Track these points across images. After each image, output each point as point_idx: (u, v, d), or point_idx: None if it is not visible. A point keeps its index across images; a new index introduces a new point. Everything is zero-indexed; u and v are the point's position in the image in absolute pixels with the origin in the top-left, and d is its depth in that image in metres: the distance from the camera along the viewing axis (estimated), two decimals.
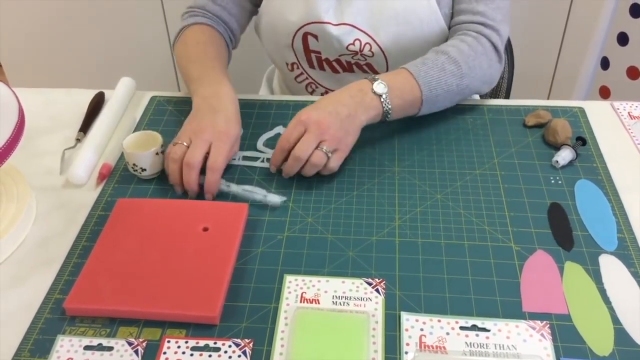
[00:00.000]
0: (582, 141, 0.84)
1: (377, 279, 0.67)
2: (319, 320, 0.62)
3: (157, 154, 0.80)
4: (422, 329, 0.61)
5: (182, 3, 1.04)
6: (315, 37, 0.95)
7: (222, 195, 0.79)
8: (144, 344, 0.61)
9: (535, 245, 0.71)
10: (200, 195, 0.78)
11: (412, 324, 0.62)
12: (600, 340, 0.60)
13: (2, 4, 1.77)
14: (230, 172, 0.82)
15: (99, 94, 0.97)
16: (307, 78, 1.05)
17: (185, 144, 0.78)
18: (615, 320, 0.62)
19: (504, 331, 0.61)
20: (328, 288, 0.66)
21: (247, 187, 0.79)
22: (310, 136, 0.76)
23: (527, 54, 1.69)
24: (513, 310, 0.63)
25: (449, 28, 0.94)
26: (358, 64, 0.98)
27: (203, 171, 0.77)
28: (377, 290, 0.65)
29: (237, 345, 0.61)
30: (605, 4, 1.62)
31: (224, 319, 0.63)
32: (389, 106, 0.81)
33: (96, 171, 0.83)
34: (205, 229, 0.72)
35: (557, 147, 0.84)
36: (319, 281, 0.67)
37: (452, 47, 0.86)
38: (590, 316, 0.63)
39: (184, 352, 0.60)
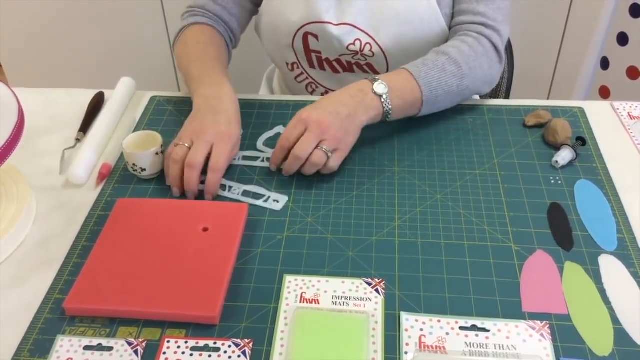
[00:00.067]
0: (582, 141, 0.84)
1: (376, 279, 0.67)
2: (318, 321, 0.62)
3: (157, 154, 0.80)
4: (421, 329, 0.61)
5: (182, 3, 1.04)
6: (316, 37, 0.95)
7: (222, 196, 0.79)
8: (144, 344, 0.61)
9: (535, 246, 0.71)
10: (198, 196, 0.78)
11: (411, 324, 0.62)
12: (600, 340, 0.60)
13: (2, 4, 1.78)
14: (230, 172, 0.82)
15: (99, 94, 0.97)
16: (307, 78, 1.05)
17: (186, 145, 0.77)
18: (615, 320, 0.62)
19: (503, 331, 0.61)
20: (328, 288, 0.66)
21: (248, 187, 0.79)
22: (311, 135, 0.76)
23: (527, 54, 1.69)
24: (513, 311, 0.63)
25: (450, 28, 0.94)
26: (358, 64, 0.98)
27: (204, 172, 0.77)
28: (376, 291, 0.65)
29: (236, 345, 0.61)
30: (605, 4, 1.62)
31: (224, 319, 0.63)
32: (390, 107, 0.81)
33: (96, 171, 0.83)
34: (205, 229, 0.72)
35: (557, 147, 0.84)
36: (318, 281, 0.67)
37: (453, 48, 0.86)
38: (590, 316, 0.63)
39: (183, 352, 0.60)
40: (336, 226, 0.74)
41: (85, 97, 0.97)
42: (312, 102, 0.82)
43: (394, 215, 0.75)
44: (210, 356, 0.60)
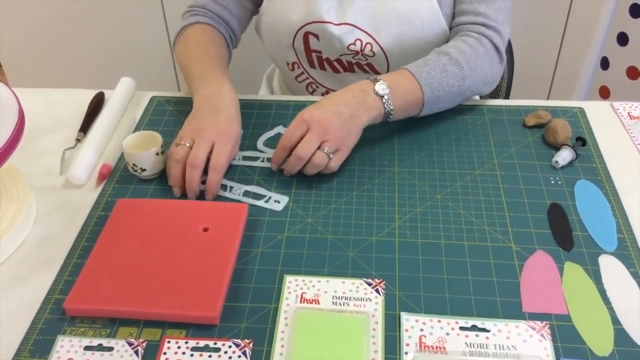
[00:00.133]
0: (582, 141, 0.84)
1: (377, 279, 0.67)
2: (319, 321, 0.62)
3: (157, 154, 0.80)
4: (422, 330, 0.61)
5: (182, 3, 1.04)
6: (317, 36, 0.96)
7: (222, 196, 0.79)
8: (144, 345, 0.61)
9: (535, 246, 0.71)
10: (199, 196, 0.78)
11: (412, 324, 0.62)
12: (600, 340, 0.60)
13: (2, 4, 1.77)
14: (230, 172, 0.82)
15: (99, 94, 0.97)
16: (307, 78, 1.05)
17: (187, 144, 0.78)
18: (615, 320, 0.62)
19: (503, 331, 0.61)
20: (328, 288, 0.66)
21: (249, 188, 0.79)
22: (313, 136, 0.76)
23: (527, 54, 1.69)
24: (513, 311, 0.63)
25: (450, 29, 0.94)
26: (359, 64, 0.98)
27: (204, 172, 0.77)
28: (377, 291, 0.66)
29: (237, 345, 0.61)
30: (605, 4, 1.62)
31: (224, 320, 0.63)
32: (391, 107, 0.81)
33: (96, 171, 0.83)
34: (206, 229, 0.72)
35: (557, 148, 0.84)
36: (319, 281, 0.67)
37: (454, 48, 0.86)
38: (590, 316, 0.63)
39: (184, 353, 0.60)
40: (336, 226, 0.74)
41: (85, 97, 0.97)
42: (312, 102, 0.82)
43: (394, 216, 0.75)
44: (210, 356, 0.60)
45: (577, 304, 0.64)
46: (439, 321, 0.62)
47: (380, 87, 0.81)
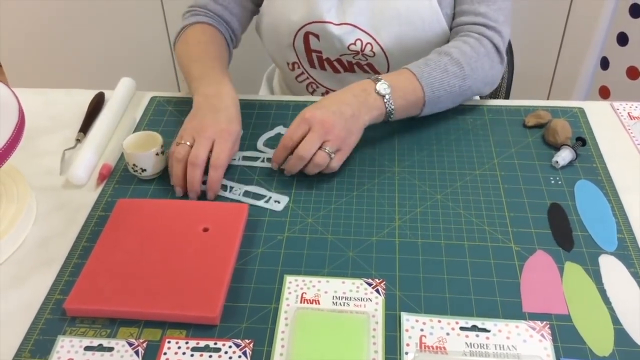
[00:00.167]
0: (582, 141, 0.84)
1: (377, 280, 0.67)
2: (319, 321, 0.62)
3: (157, 154, 0.80)
4: (422, 330, 0.61)
5: (182, 3, 1.04)
6: (317, 36, 0.96)
7: (223, 196, 0.79)
8: (145, 345, 0.61)
9: (535, 246, 0.71)
10: (200, 196, 0.78)
11: (412, 324, 0.62)
12: (600, 340, 0.61)
13: (2, 4, 1.77)
14: (230, 172, 0.82)
15: (99, 94, 0.97)
16: (307, 78, 1.05)
17: (188, 143, 0.78)
18: (615, 320, 0.62)
19: (504, 331, 0.61)
20: (328, 288, 0.66)
21: (249, 188, 0.79)
22: (314, 135, 0.77)
23: (527, 54, 1.69)
24: (513, 311, 0.63)
25: (451, 29, 0.94)
26: (359, 64, 0.98)
27: (205, 171, 0.78)
28: (377, 291, 0.66)
29: (237, 345, 0.61)
30: (605, 4, 1.62)
31: (224, 320, 0.63)
32: (392, 107, 0.81)
33: (96, 171, 0.83)
34: (206, 230, 0.72)
35: (557, 148, 0.84)
36: (319, 282, 0.67)
37: (455, 49, 0.86)
38: (590, 316, 0.63)
39: (184, 353, 0.60)
40: (336, 226, 0.74)
41: (85, 97, 0.97)
42: (312, 102, 0.82)
43: (394, 216, 0.75)
44: (210, 356, 0.60)
45: (578, 304, 0.64)
46: (439, 321, 0.62)
47: (382, 86, 0.81)
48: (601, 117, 0.91)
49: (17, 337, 0.63)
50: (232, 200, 0.78)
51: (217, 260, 0.68)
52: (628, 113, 0.92)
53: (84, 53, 1.86)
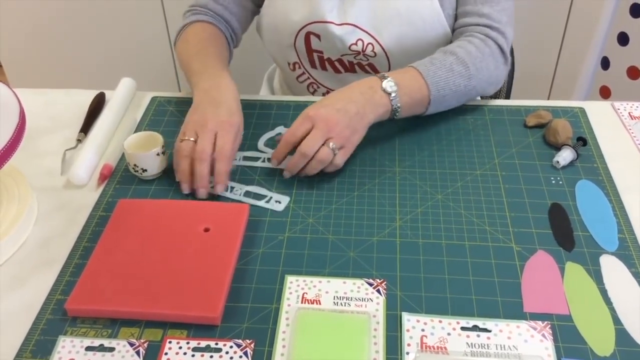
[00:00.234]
0: (583, 141, 0.84)
1: (378, 280, 0.67)
2: (320, 321, 0.62)
3: (158, 154, 0.80)
4: (423, 330, 0.61)
5: (182, 3, 1.05)
6: (318, 36, 0.96)
7: (222, 199, 0.79)
8: (146, 345, 0.61)
9: (536, 246, 0.71)
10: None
11: (413, 324, 0.62)
12: (601, 340, 0.61)
13: (2, 4, 1.77)
14: (231, 172, 0.82)
15: (100, 95, 0.97)
16: (308, 78, 1.05)
17: (192, 139, 0.78)
18: (616, 320, 0.62)
19: (505, 332, 0.61)
20: (329, 289, 0.66)
21: (250, 188, 0.79)
22: (317, 133, 0.77)
23: (527, 54, 1.69)
24: (514, 311, 0.63)
25: (453, 30, 0.94)
26: (360, 64, 0.98)
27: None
28: (378, 291, 0.66)
29: (238, 345, 0.61)
30: (605, 4, 1.62)
31: (225, 320, 0.63)
32: (398, 104, 0.81)
33: (97, 172, 0.83)
34: (207, 230, 0.72)
35: (557, 148, 0.84)
36: (320, 282, 0.67)
37: (460, 48, 0.87)
38: (591, 316, 0.63)
39: (185, 353, 0.60)
40: (337, 226, 0.74)
41: (85, 97, 0.97)
42: (313, 102, 0.82)
43: (395, 216, 0.75)
44: (211, 357, 0.60)
45: (578, 304, 0.64)
46: (440, 321, 0.62)
47: (388, 84, 0.81)
48: (602, 117, 0.91)
49: (18, 338, 0.63)
50: (233, 200, 0.78)
51: (218, 261, 0.68)
52: (629, 113, 0.92)
53: (84, 53, 1.86)
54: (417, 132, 0.89)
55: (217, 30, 0.98)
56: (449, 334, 0.61)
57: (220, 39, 0.97)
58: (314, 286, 0.66)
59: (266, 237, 0.73)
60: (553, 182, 0.80)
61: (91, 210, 0.78)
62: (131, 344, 0.61)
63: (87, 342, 0.62)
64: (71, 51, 1.86)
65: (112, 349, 0.61)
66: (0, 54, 1.90)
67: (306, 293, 0.65)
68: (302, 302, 0.64)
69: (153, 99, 0.98)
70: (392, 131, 0.89)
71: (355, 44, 0.94)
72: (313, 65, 1.02)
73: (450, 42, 0.93)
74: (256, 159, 0.85)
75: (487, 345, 0.60)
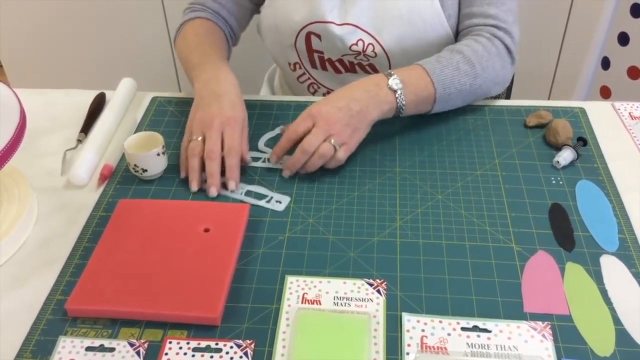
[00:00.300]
0: (583, 141, 0.84)
1: (378, 280, 0.67)
2: (320, 321, 0.62)
3: (158, 154, 0.80)
4: (423, 330, 0.61)
5: (182, 3, 1.05)
6: (319, 36, 0.96)
7: (223, 195, 0.79)
8: (146, 345, 0.61)
9: (536, 246, 0.71)
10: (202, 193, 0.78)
11: (413, 324, 0.62)
12: (601, 340, 0.61)
13: (2, 4, 1.77)
14: None
15: (100, 95, 0.97)
16: (309, 78, 1.05)
17: (200, 138, 0.79)
18: (617, 320, 0.62)
19: (505, 332, 0.61)
20: (329, 289, 0.66)
21: (251, 187, 0.80)
22: (319, 131, 0.78)
23: (528, 54, 1.69)
24: (514, 311, 0.63)
25: (458, 31, 0.94)
26: (361, 65, 0.98)
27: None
28: (378, 291, 0.66)
29: (238, 346, 0.61)
30: (605, 4, 1.62)
31: (226, 320, 0.63)
32: (403, 102, 0.82)
33: (97, 172, 0.83)
34: (207, 230, 0.72)
35: (558, 148, 0.84)
36: (320, 282, 0.67)
37: (467, 47, 0.87)
38: (591, 317, 0.63)
39: (185, 353, 0.60)
40: (337, 227, 0.74)
41: (85, 97, 0.97)
42: (313, 102, 0.82)
43: (395, 216, 0.75)
44: (212, 357, 0.60)
45: (579, 305, 0.64)
46: (440, 322, 0.62)
47: (394, 81, 0.82)
48: (602, 117, 0.91)
49: (18, 338, 0.63)
50: (233, 200, 0.78)
51: (218, 261, 0.68)
52: (629, 113, 0.92)
53: (84, 53, 1.86)
54: (418, 132, 0.89)
55: (215, 26, 0.99)
56: (449, 334, 0.61)
57: (218, 33, 0.98)
58: (314, 286, 0.66)
59: (266, 238, 0.73)
60: (553, 182, 0.80)
61: (91, 211, 0.78)
62: (131, 344, 0.61)
63: (88, 342, 0.62)
64: (71, 51, 1.86)
65: (112, 349, 0.61)
66: (0, 54, 1.90)
67: (306, 293, 0.65)
68: (302, 303, 0.64)
69: (153, 99, 0.98)
70: (392, 131, 0.89)
71: (356, 44, 0.94)
72: (313, 66, 1.02)
73: (453, 42, 0.93)
74: (257, 159, 0.85)
75: (487, 345, 0.60)
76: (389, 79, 0.82)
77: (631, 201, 0.76)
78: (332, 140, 0.77)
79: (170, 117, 0.94)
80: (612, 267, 0.68)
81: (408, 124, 0.90)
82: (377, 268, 0.68)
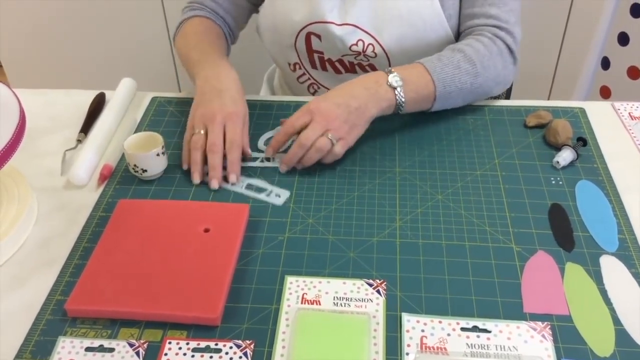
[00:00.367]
0: (583, 142, 0.84)
1: (378, 280, 0.67)
2: (320, 322, 0.62)
3: (158, 155, 0.80)
4: (423, 330, 0.61)
5: (182, 3, 1.05)
6: (319, 37, 0.96)
7: (223, 196, 0.79)
8: (145, 345, 0.61)
9: (536, 246, 0.71)
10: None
11: (413, 325, 0.62)
12: (601, 341, 0.60)
13: (2, 4, 1.77)
14: None
15: (100, 95, 0.97)
16: (309, 79, 1.05)
17: (202, 132, 0.80)
18: (616, 321, 0.62)
19: (505, 332, 0.61)
20: (329, 289, 0.66)
21: (251, 181, 0.81)
22: (316, 126, 0.79)
23: (527, 54, 1.69)
24: (514, 311, 0.63)
25: (460, 32, 0.94)
26: (361, 65, 0.98)
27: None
28: (378, 291, 0.66)
29: (238, 346, 0.61)
30: (605, 4, 1.62)
31: (225, 320, 0.63)
32: (403, 99, 0.82)
33: (97, 172, 0.83)
34: (207, 230, 0.72)
35: (557, 148, 0.84)
36: (320, 282, 0.67)
37: (468, 46, 0.87)
38: (591, 317, 0.63)
39: (185, 354, 0.60)
40: (337, 227, 0.74)
41: (85, 97, 0.97)
42: None
43: (395, 216, 0.75)
44: (211, 357, 0.60)
45: (578, 305, 0.64)
46: (440, 322, 0.62)
47: (394, 79, 0.82)
48: (602, 117, 0.91)
49: (18, 338, 0.63)
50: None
51: (218, 261, 0.68)
52: (629, 113, 0.91)
53: (84, 53, 1.86)
54: (417, 132, 0.89)
55: (214, 24, 1.00)
56: (448, 334, 0.61)
57: (217, 30, 0.99)
58: (314, 287, 0.66)
59: (266, 238, 0.73)
60: (553, 182, 0.80)
61: (91, 211, 0.78)
62: (131, 345, 0.61)
63: (87, 342, 0.62)
64: (71, 51, 1.86)
65: (111, 350, 0.61)
66: (0, 54, 1.90)
67: (306, 294, 0.65)
68: (302, 303, 0.64)
69: (153, 99, 0.98)
70: (392, 131, 0.89)
71: (356, 44, 0.94)
72: (313, 66, 1.02)
73: (453, 43, 0.93)
74: (255, 159, 0.85)
75: (487, 345, 0.60)
76: (388, 76, 0.82)
77: (631, 201, 0.76)
78: (330, 135, 0.78)
79: (170, 117, 0.94)
80: (612, 268, 0.68)
81: (408, 123, 0.90)
82: (376, 268, 0.68)
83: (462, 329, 0.61)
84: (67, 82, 1.89)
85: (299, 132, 0.80)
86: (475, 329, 0.61)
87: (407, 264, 0.69)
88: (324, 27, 0.94)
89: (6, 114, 0.70)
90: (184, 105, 0.96)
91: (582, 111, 0.92)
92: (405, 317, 0.63)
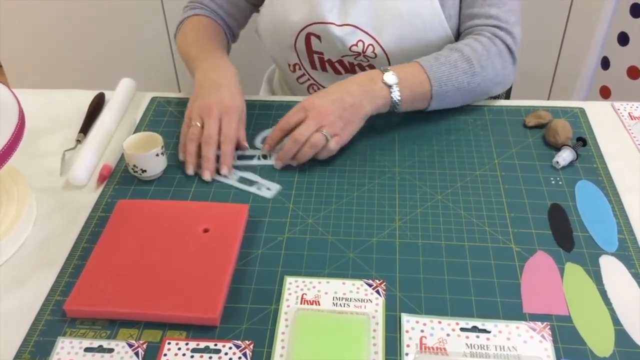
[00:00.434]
0: (583, 142, 0.84)
1: (377, 280, 0.67)
2: (319, 322, 0.62)
3: (157, 155, 0.80)
4: (422, 331, 0.61)
5: (182, 3, 1.06)
6: (319, 37, 0.96)
7: (222, 196, 0.79)
8: (145, 346, 0.61)
9: (535, 246, 0.71)
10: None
11: (412, 325, 0.62)
12: (600, 341, 0.60)
13: (2, 4, 1.77)
14: None
15: (99, 95, 0.97)
16: (309, 79, 1.05)
17: (198, 124, 0.81)
18: (616, 321, 0.62)
19: (504, 332, 0.61)
20: (328, 289, 0.66)
21: (244, 174, 0.82)
22: (311, 122, 0.79)
23: (527, 54, 1.69)
24: (513, 312, 0.63)
25: (459, 32, 0.94)
26: (361, 65, 0.98)
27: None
28: (377, 292, 0.65)
29: (237, 347, 0.61)
30: (605, 4, 1.62)
31: (225, 321, 0.63)
32: (398, 97, 0.82)
33: (96, 172, 0.83)
34: (206, 230, 0.72)
35: (557, 148, 0.84)
36: (319, 282, 0.67)
37: (466, 46, 0.87)
38: (590, 317, 0.63)
39: (184, 354, 0.60)
40: (337, 227, 0.74)
41: (85, 97, 0.97)
42: None
43: (395, 216, 0.75)
44: (210, 358, 0.60)
45: (578, 305, 0.64)
46: (440, 322, 0.62)
47: (389, 77, 0.82)
48: (602, 117, 0.91)
49: (17, 338, 0.63)
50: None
51: (217, 261, 0.68)
52: (629, 113, 0.91)
53: (84, 53, 1.86)
54: (417, 132, 0.89)
55: (214, 23, 1.01)
56: (448, 334, 0.61)
57: (216, 28, 1.00)
58: (313, 287, 0.66)
59: (265, 238, 0.73)
60: (553, 182, 0.80)
61: (90, 211, 0.78)
62: (130, 345, 0.61)
63: (86, 343, 0.62)
64: (71, 51, 1.86)
65: (111, 350, 0.61)
66: (0, 54, 1.90)
67: (305, 294, 0.65)
68: (301, 303, 0.64)
69: (153, 100, 0.98)
70: (392, 131, 0.89)
71: (356, 45, 0.94)
72: (313, 67, 1.02)
73: (450, 43, 0.93)
74: (251, 157, 0.85)
75: (487, 346, 0.60)
76: (384, 74, 0.83)
77: (631, 201, 0.76)
78: (324, 131, 0.79)
79: (169, 118, 0.94)
80: (612, 268, 0.68)
81: (407, 124, 0.90)
82: (376, 268, 0.68)
83: (462, 329, 0.61)
84: (67, 82, 1.89)
85: (293, 129, 0.81)
86: (474, 329, 0.61)
87: (406, 264, 0.69)
88: (323, 28, 0.94)
89: (5, 114, 0.70)
90: (184, 105, 0.96)
91: (582, 111, 0.92)
92: (405, 317, 0.63)
